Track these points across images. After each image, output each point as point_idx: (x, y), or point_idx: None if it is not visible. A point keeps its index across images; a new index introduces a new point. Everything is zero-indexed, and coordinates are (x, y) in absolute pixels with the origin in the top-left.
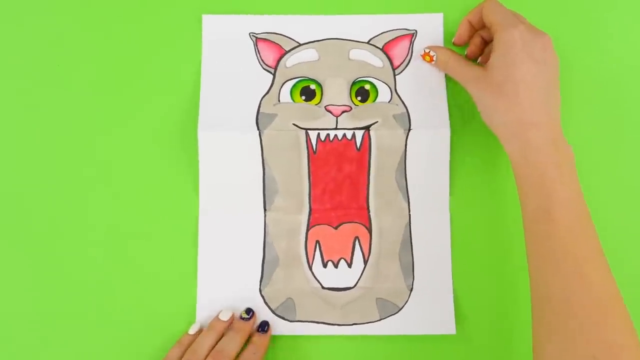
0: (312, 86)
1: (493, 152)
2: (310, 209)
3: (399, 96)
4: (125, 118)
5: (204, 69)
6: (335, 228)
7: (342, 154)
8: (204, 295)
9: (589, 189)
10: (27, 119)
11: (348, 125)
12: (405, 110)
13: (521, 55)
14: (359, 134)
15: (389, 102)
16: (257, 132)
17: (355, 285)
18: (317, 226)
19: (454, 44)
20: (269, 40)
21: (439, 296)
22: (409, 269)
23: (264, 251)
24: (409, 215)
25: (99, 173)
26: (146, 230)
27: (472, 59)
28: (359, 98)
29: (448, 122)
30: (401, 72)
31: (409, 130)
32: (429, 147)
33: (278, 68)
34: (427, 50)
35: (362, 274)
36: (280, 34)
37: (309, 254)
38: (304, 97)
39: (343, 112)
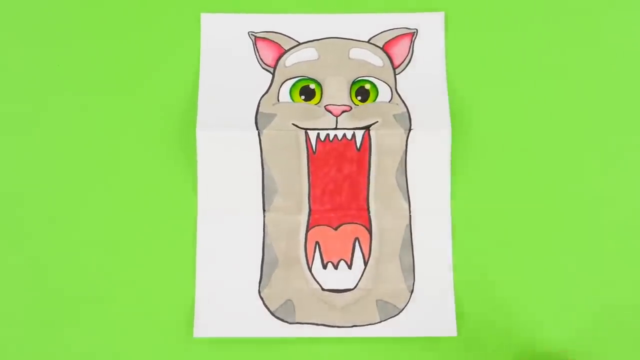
0: (312, 86)
1: (495, 152)
2: (310, 210)
3: (399, 96)
4: (122, 117)
5: (202, 68)
6: (335, 229)
7: (342, 154)
8: (203, 297)
9: (589, 188)
10: (24, 118)
11: (348, 125)
12: (405, 110)
13: None
14: (359, 134)
15: (389, 101)
16: (256, 131)
17: (355, 286)
18: (316, 227)
19: None
20: (268, 39)
21: (439, 298)
22: (409, 270)
23: (263, 252)
24: (410, 216)
25: (96, 173)
26: (144, 230)
27: None
28: (359, 98)
29: (449, 121)
30: (402, 71)
31: (410, 130)
32: (430, 147)
33: (277, 67)
34: None
35: (362, 275)
36: (280, 33)
37: (308, 255)
38: (303, 97)
39: (343, 111)
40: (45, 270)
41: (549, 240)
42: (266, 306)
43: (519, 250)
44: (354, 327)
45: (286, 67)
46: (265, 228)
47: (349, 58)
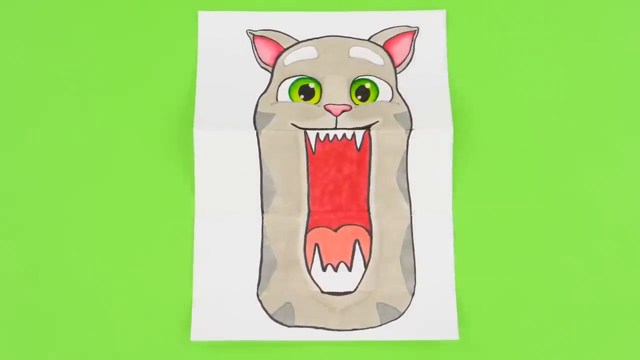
0: (311, 85)
1: (497, 151)
2: (309, 211)
3: (400, 95)
4: (119, 116)
5: (200, 67)
6: (335, 230)
7: (342, 155)
8: (200, 300)
9: (594, 188)
10: (20, 118)
11: (348, 125)
12: (406, 110)
13: None
14: (359, 134)
15: (390, 101)
16: (255, 131)
17: (355, 289)
18: (316, 228)
19: None
20: (267, 37)
21: (441, 300)
22: (410, 273)
23: (262, 254)
24: (411, 217)
25: (92, 173)
26: (140, 231)
27: None
28: (359, 97)
29: (451, 121)
30: (402, 70)
31: (411, 130)
32: (431, 147)
33: (276, 66)
34: None
35: (362, 277)
36: (279, 31)
37: (307, 257)
38: (302, 96)
39: (343, 111)
40: (39, 271)
41: (553, 241)
42: (264, 309)
43: (522, 252)
44: (353, 331)
45: (285, 66)
46: (264, 229)
47: (349, 57)
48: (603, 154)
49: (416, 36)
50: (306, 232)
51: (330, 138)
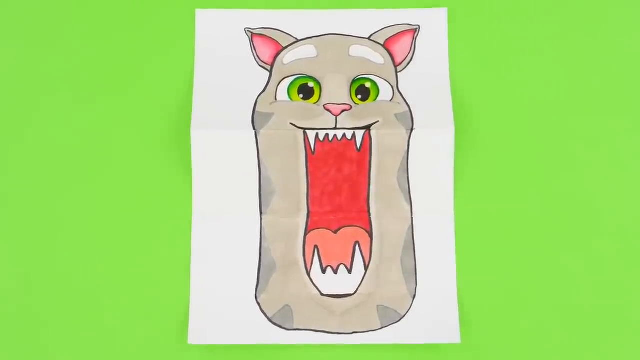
0: (311, 84)
1: (499, 152)
2: (309, 212)
3: (401, 94)
4: (115, 116)
5: (197, 66)
6: (335, 232)
7: (342, 155)
8: (197, 302)
9: (597, 189)
10: (16, 119)
11: (348, 125)
12: (407, 109)
13: None
14: (360, 134)
15: (390, 100)
16: (253, 131)
17: (355, 291)
18: (315, 230)
19: None
20: (266, 35)
21: (442, 303)
22: (411, 275)
23: (260, 256)
24: (412, 218)
25: (88, 174)
26: (137, 233)
27: None
28: (360, 96)
29: (452, 121)
30: (403, 69)
31: (412, 130)
32: (433, 147)
33: (275, 65)
34: None
35: (362, 280)
36: (277, 30)
37: (307, 259)
38: (301, 96)
39: (343, 111)
40: (35, 273)
41: (555, 243)
42: (263, 312)
43: (525, 254)
44: (354, 334)
45: (284, 64)
46: (263, 231)
47: (349, 55)
48: (607, 154)
49: (417, 35)
50: (305, 234)
51: (330, 138)
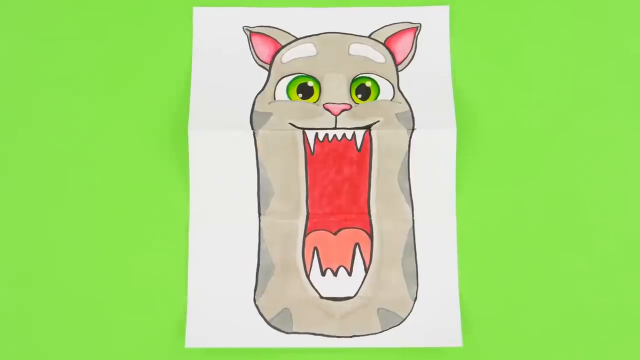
0: (310, 83)
1: (501, 153)
2: (308, 214)
3: (402, 94)
4: (111, 116)
5: (194, 65)
6: (335, 234)
7: (342, 155)
8: (195, 305)
9: (602, 193)
10: (11, 118)
11: (348, 125)
12: (408, 109)
13: None
14: (360, 134)
15: (391, 100)
16: (251, 131)
17: (355, 294)
18: (315, 232)
19: None
20: (264, 34)
21: (444, 306)
22: (412, 278)
23: (259, 258)
24: (413, 220)
25: (83, 175)
26: (133, 235)
27: None
28: (360, 96)
29: (454, 121)
30: (404, 68)
31: (413, 130)
32: (434, 148)
33: (273, 64)
34: None
35: (362, 282)
36: (276, 28)
37: (306, 262)
38: (301, 95)
39: (342, 110)
40: (31, 276)
41: (559, 246)
42: (262, 315)
43: (528, 257)
44: (354, 337)
45: (283, 63)
46: (261, 233)
47: (349, 54)
48: (615, 156)
49: (418, 33)
50: (305, 236)
51: (330, 138)
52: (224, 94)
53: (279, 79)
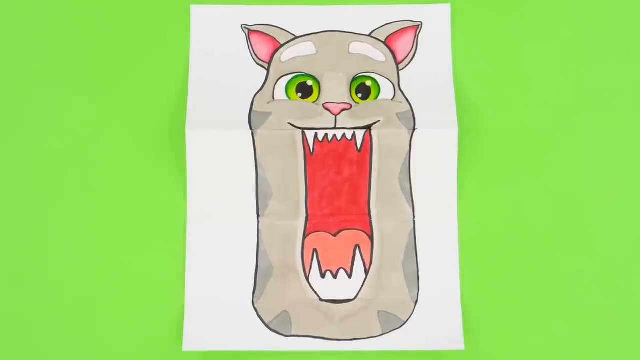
0: (309, 82)
1: (503, 153)
2: (307, 215)
3: (402, 93)
4: (107, 116)
5: (192, 64)
6: (334, 235)
7: (342, 156)
8: (192, 308)
9: (606, 194)
10: (7, 118)
11: (348, 125)
12: (409, 109)
13: None
14: (360, 134)
15: (392, 99)
16: (250, 131)
17: (355, 297)
18: (314, 233)
19: None
20: (263, 32)
21: (446, 308)
22: (413, 280)
23: (257, 260)
24: (414, 221)
25: (79, 176)
26: (130, 236)
27: None
28: (360, 95)
29: (456, 121)
30: (405, 67)
31: (414, 130)
32: (435, 148)
33: (272, 63)
34: None
35: (363, 284)
36: (275, 26)
37: (305, 264)
38: (300, 94)
39: (342, 110)
40: (25, 277)
41: (562, 248)
42: (260, 318)
43: (531, 258)
44: (354, 340)
45: (282, 62)
46: (260, 234)
47: (349, 53)
48: (619, 157)
49: (419, 31)
50: (304, 237)
51: (329, 138)
52: (222, 93)
53: (277, 78)
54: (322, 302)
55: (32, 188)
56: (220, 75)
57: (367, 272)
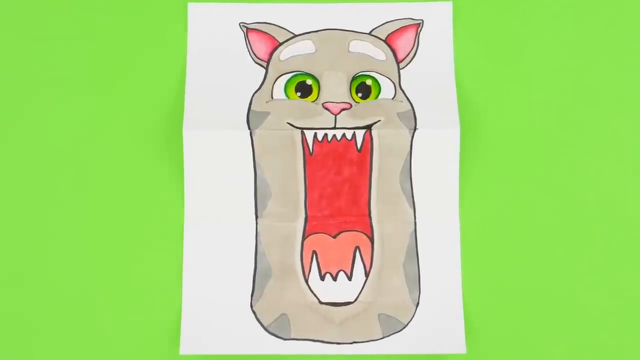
0: (309, 81)
1: (505, 153)
2: (307, 216)
3: (403, 92)
4: (104, 116)
5: (189, 63)
6: (334, 237)
7: (342, 156)
8: (190, 311)
9: (609, 195)
10: (2, 117)
11: (348, 125)
12: (410, 108)
13: None
14: (360, 134)
15: (392, 98)
16: (248, 131)
17: (355, 299)
18: (313, 235)
19: None
20: (261, 30)
21: (447, 311)
22: (414, 282)
23: (256, 262)
24: (415, 222)
25: (75, 177)
26: (126, 238)
27: None
28: (360, 94)
29: (457, 121)
30: (406, 66)
31: (415, 129)
32: (437, 148)
33: (271, 61)
34: None
35: (363, 287)
36: (274, 24)
37: (304, 266)
38: (299, 94)
39: (342, 109)
40: (22, 278)
41: (566, 249)
42: (259, 321)
43: (534, 260)
44: (354, 344)
45: (281, 61)
46: (258, 236)
47: (349, 51)
48: (618, 156)
49: (420, 29)
50: (303, 239)
51: (329, 138)
52: (219, 92)
53: (276, 77)
54: (321, 305)
55: (30, 187)
56: (218, 74)
57: (367, 274)
